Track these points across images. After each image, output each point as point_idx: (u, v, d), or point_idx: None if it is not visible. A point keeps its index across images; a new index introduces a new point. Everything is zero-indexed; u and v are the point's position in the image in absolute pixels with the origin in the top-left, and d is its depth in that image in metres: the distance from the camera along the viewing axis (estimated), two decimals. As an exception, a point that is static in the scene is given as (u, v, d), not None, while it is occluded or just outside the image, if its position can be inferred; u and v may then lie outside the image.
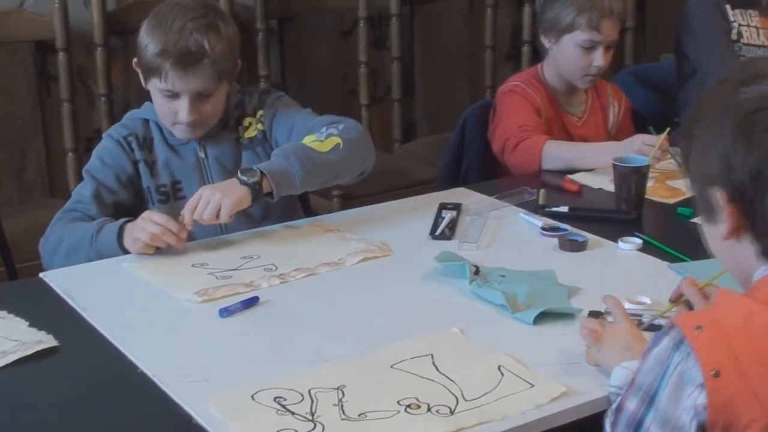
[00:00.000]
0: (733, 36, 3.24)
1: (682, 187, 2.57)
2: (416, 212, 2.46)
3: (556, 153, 2.75)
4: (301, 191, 2.36)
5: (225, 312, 1.92)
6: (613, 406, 1.37)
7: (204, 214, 2.19)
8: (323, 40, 4.26)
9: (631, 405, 1.30)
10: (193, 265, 2.17)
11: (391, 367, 1.69)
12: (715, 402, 1.21)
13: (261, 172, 2.24)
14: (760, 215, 1.31)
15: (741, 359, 1.21)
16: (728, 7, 3.29)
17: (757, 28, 3.31)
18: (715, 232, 1.38)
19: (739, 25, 3.27)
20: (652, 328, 1.76)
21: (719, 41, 3.22)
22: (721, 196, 1.33)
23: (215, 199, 2.20)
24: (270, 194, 2.26)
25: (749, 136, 1.28)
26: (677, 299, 1.72)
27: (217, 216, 2.19)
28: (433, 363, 1.70)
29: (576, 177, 2.69)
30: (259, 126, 2.50)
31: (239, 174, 2.25)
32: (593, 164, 2.72)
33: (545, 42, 2.91)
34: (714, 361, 1.22)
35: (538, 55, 3.11)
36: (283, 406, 1.57)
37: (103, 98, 3.58)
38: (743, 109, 1.30)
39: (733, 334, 1.23)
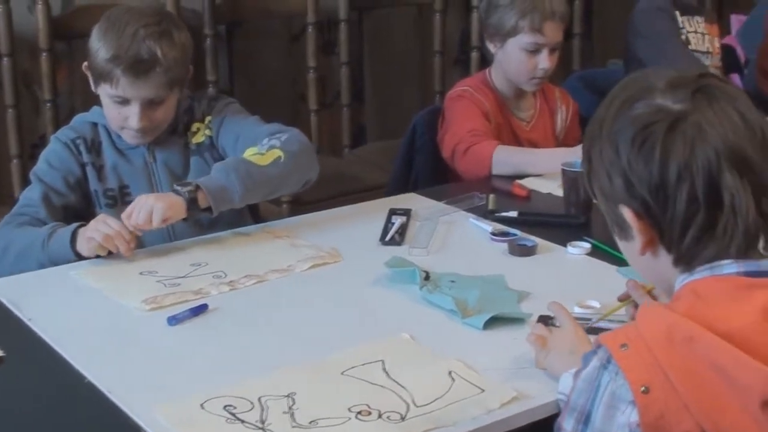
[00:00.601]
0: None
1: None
2: (366, 218, 2.46)
3: (506, 158, 2.76)
4: (241, 206, 2.36)
5: (173, 320, 1.90)
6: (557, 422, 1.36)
7: (139, 218, 2.17)
8: (272, 45, 4.25)
9: (568, 426, 1.30)
10: (141, 273, 2.15)
11: (342, 373, 1.69)
12: (647, 419, 1.21)
13: (197, 185, 2.24)
14: (667, 227, 1.31)
15: (668, 373, 1.21)
16: (678, 13, 3.31)
17: (702, 34, 3.34)
18: (631, 249, 1.38)
19: (687, 31, 3.30)
20: (597, 330, 1.77)
21: (672, 42, 3.24)
22: (628, 213, 1.33)
23: (148, 203, 2.19)
24: (209, 209, 2.25)
25: (644, 151, 1.29)
26: (626, 299, 1.74)
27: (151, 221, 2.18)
28: (384, 369, 1.70)
29: (525, 182, 2.70)
30: (207, 132, 2.49)
31: (174, 185, 2.25)
32: (543, 169, 2.73)
33: (491, 47, 2.92)
34: (642, 378, 1.22)
35: (486, 60, 3.11)
36: (233, 415, 1.56)
37: (48, 104, 3.53)
38: (636, 125, 1.30)
39: (658, 349, 1.22)
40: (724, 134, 1.27)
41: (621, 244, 1.43)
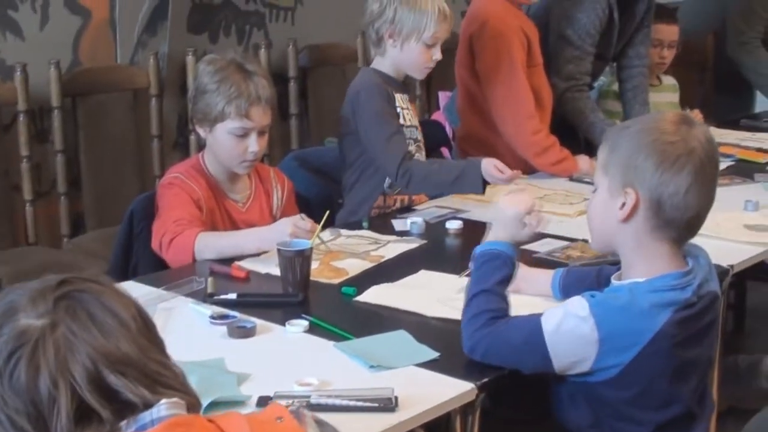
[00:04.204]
0: (401, 120, 3.35)
1: (346, 267, 2.66)
2: (83, 309, 2.40)
3: (207, 244, 2.74)
4: None
5: None
6: None
7: None
8: (-19, 135, 4.10)
9: None
10: None
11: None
12: None
13: None
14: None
15: None
16: (392, 91, 3.40)
17: (409, 109, 3.48)
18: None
19: (402, 109, 3.41)
20: (316, 408, 1.81)
21: (387, 121, 3.30)
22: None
23: None
24: None
25: (14, 381, 1.19)
26: None
27: None
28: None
29: (243, 263, 2.71)
30: None
31: None
32: (243, 251, 2.75)
33: (201, 132, 2.92)
34: None
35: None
36: None
37: None
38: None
39: None
40: (95, 340, 1.22)
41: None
